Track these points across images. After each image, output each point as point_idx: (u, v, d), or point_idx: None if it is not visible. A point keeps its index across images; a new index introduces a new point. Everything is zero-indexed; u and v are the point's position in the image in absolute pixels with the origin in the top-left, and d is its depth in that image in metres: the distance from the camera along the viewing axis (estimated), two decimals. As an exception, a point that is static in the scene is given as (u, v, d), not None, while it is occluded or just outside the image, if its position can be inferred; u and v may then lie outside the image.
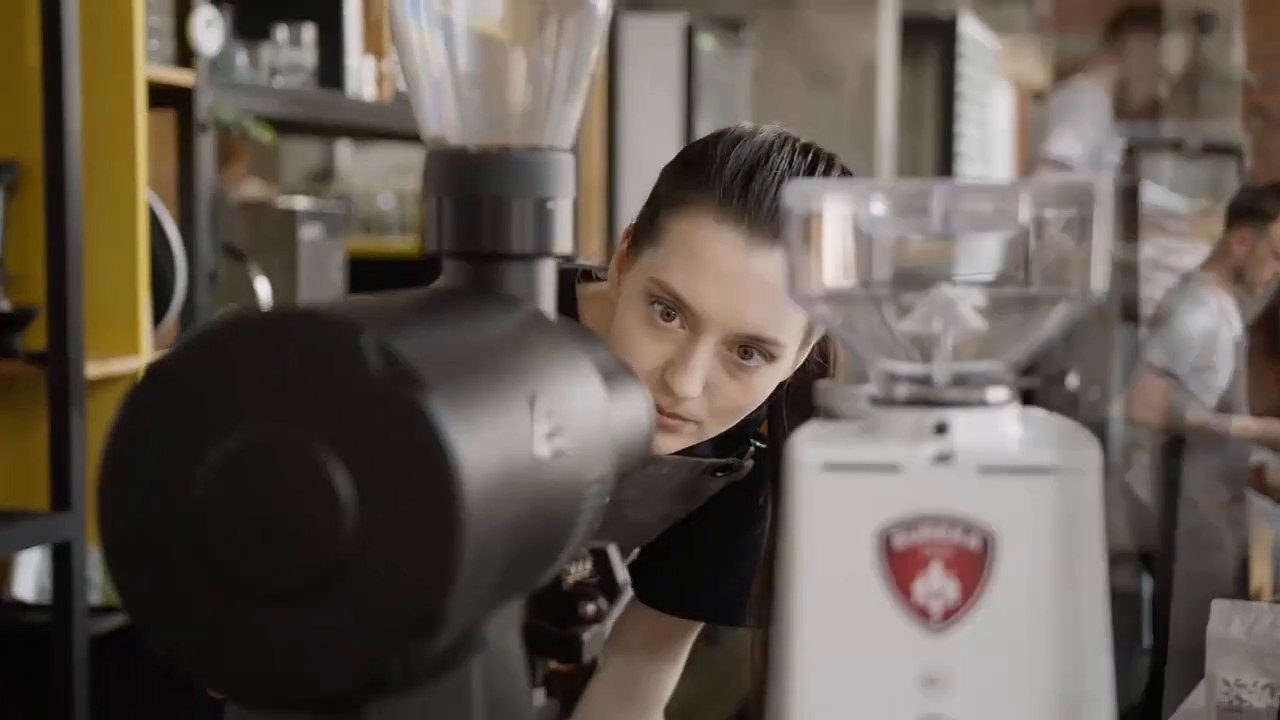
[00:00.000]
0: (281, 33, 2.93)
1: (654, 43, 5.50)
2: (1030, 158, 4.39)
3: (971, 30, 7.34)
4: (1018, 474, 0.66)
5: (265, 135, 2.66)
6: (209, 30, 2.55)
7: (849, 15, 5.53)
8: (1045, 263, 0.69)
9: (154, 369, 0.62)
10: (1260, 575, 4.81)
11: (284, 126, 3.23)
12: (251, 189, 4.37)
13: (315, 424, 0.60)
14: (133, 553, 0.62)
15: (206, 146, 2.60)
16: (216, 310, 2.70)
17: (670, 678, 1.52)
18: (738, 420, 1.30)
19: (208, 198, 2.61)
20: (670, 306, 1.23)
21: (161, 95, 2.56)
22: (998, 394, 0.69)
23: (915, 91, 7.22)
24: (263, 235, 3.03)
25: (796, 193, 0.69)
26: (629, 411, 0.84)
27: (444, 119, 0.79)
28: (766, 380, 1.27)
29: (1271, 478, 4.72)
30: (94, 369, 2.35)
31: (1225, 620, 1.95)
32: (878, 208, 0.69)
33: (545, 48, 0.80)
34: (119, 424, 0.62)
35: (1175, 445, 4.44)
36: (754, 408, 1.29)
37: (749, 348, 1.24)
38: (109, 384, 2.43)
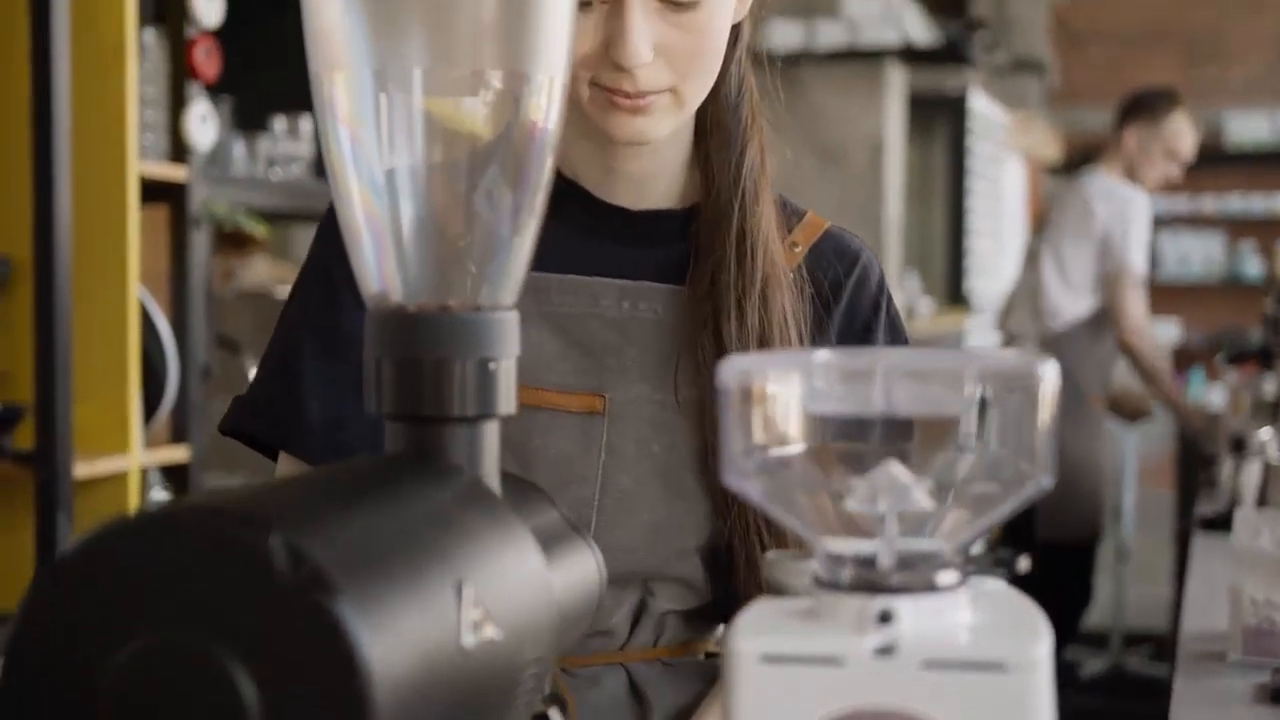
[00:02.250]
0: (279, 124, 2.93)
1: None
2: (1104, 270, 4.37)
3: (981, 106, 7.35)
4: (965, 669, 0.63)
5: (258, 229, 2.65)
6: (203, 126, 2.55)
7: (856, 94, 5.53)
8: (994, 445, 0.66)
9: (55, 567, 0.59)
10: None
11: (283, 214, 3.22)
12: (261, 267, 4.37)
13: (220, 629, 0.57)
14: (33, 758, 0.60)
15: (200, 241, 2.59)
16: (210, 404, 2.69)
17: None
18: (713, 73, 1.20)
19: (201, 292, 2.60)
20: None
21: (156, 190, 2.55)
22: (946, 578, 0.66)
23: (925, 166, 7.21)
24: (261, 324, 3.01)
25: (734, 368, 0.67)
26: (573, 575, 0.81)
27: (385, 276, 0.77)
28: (714, 17, 1.18)
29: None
30: (83, 469, 2.33)
31: (1251, 530, 1.76)
32: (820, 383, 0.67)
33: (490, 203, 0.78)
34: (20, 624, 0.59)
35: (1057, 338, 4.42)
36: (720, 51, 1.20)
37: None
38: (99, 484, 2.41)
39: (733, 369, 0.67)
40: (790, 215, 1.31)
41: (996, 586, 0.71)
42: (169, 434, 2.62)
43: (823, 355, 0.68)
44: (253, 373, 2.81)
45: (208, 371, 2.64)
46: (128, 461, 2.43)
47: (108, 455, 2.38)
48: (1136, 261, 4.28)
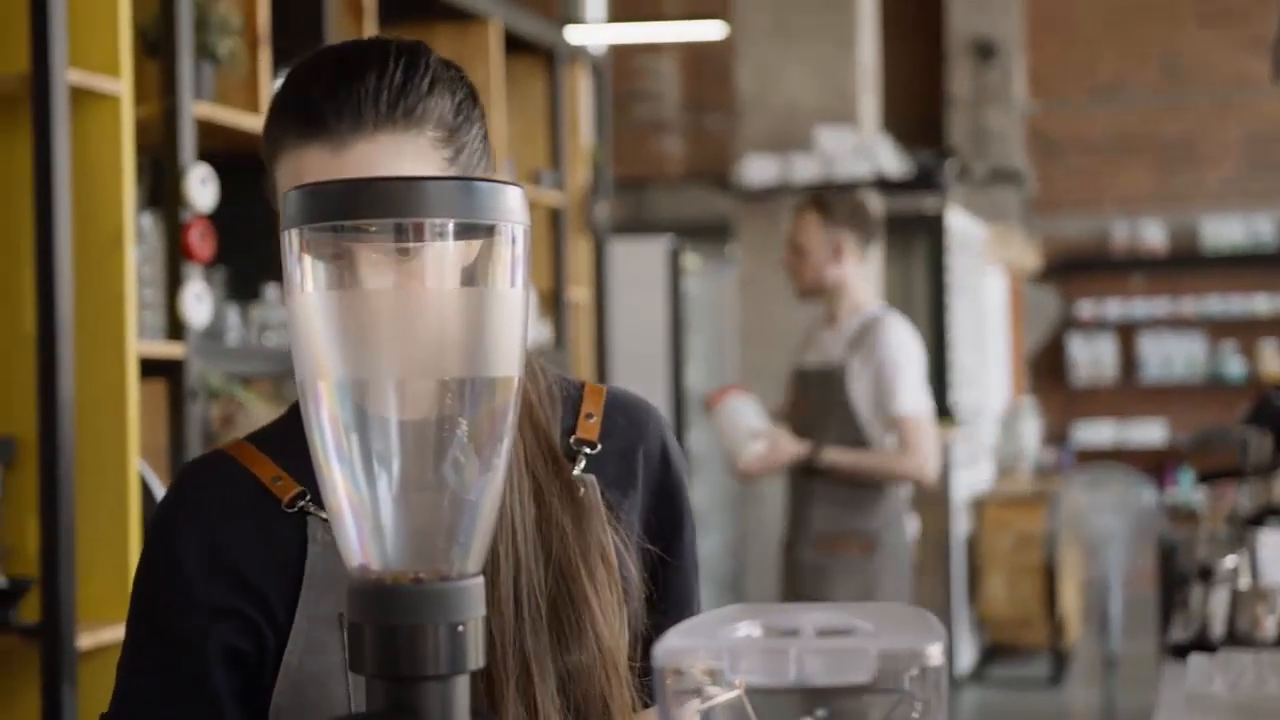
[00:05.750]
0: (272, 291, 3.06)
1: (642, 263, 5.69)
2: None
3: (958, 222, 7.50)
4: None
5: (249, 399, 2.77)
6: (199, 304, 2.67)
7: (833, 223, 5.66)
8: (896, 706, 0.77)
9: None
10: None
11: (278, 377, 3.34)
12: (260, 413, 4.45)
13: None
14: None
15: (196, 414, 2.70)
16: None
17: None
18: None
19: (198, 462, 2.71)
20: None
21: (153, 366, 2.67)
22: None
23: (906, 284, 7.35)
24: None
25: (667, 650, 0.77)
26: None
27: (365, 552, 0.88)
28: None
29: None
30: (86, 639, 2.42)
31: (1205, 677, 1.84)
32: (742, 660, 0.77)
33: (457, 483, 0.89)
34: None
35: (804, 483, 4.08)
36: None
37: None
38: (102, 654, 2.49)
39: (664, 649, 0.77)
40: (569, 388, 1.34)
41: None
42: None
43: (744, 631, 0.78)
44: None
45: (206, 537, 2.74)
46: (130, 629, 2.52)
47: (111, 625, 2.47)
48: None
